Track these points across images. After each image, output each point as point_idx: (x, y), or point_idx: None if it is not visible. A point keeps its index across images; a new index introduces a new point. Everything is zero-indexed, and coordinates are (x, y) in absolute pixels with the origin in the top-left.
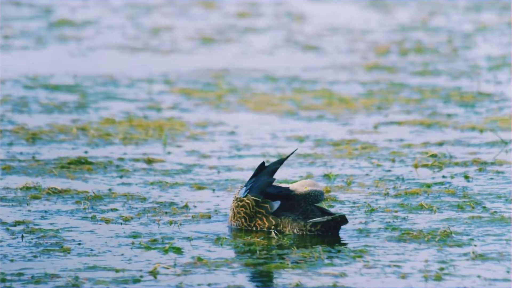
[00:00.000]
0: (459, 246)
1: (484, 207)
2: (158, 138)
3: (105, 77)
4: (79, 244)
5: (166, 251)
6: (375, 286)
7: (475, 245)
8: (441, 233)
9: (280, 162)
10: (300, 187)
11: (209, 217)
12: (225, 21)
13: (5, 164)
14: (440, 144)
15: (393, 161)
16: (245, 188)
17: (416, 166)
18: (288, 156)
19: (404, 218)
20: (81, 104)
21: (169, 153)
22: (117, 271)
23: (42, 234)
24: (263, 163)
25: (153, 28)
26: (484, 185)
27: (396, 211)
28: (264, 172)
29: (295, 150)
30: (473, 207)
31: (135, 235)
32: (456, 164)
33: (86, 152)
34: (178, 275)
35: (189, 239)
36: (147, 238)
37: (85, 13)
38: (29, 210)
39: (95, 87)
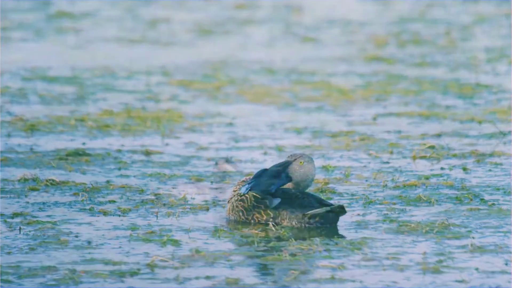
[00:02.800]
0: (457, 238)
1: (482, 199)
2: (156, 129)
3: (104, 69)
4: (76, 236)
5: (164, 244)
6: (372, 279)
7: (473, 237)
8: (439, 225)
9: (283, 165)
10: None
11: (207, 209)
12: (224, 13)
13: (3, 156)
14: (438, 135)
15: (391, 153)
16: (246, 185)
17: (414, 158)
18: (290, 163)
19: (402, 210)
20: (80, 96)
21: (167, 144)
22: (114, 264)
23: (40, 226)
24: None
25: (152, 20)
26: (482, 177)
27: (394, 203)
28: (267, 173)
29: (299, 158)
30: (471, 199)
31: (133, 227)
32: (454, 155)
33: (84, 143)
34: (176, 268)
35: (187, 231)
36: (145, 230)
37: (84, 5)
38: (27, 202)
39: (94, 79)
